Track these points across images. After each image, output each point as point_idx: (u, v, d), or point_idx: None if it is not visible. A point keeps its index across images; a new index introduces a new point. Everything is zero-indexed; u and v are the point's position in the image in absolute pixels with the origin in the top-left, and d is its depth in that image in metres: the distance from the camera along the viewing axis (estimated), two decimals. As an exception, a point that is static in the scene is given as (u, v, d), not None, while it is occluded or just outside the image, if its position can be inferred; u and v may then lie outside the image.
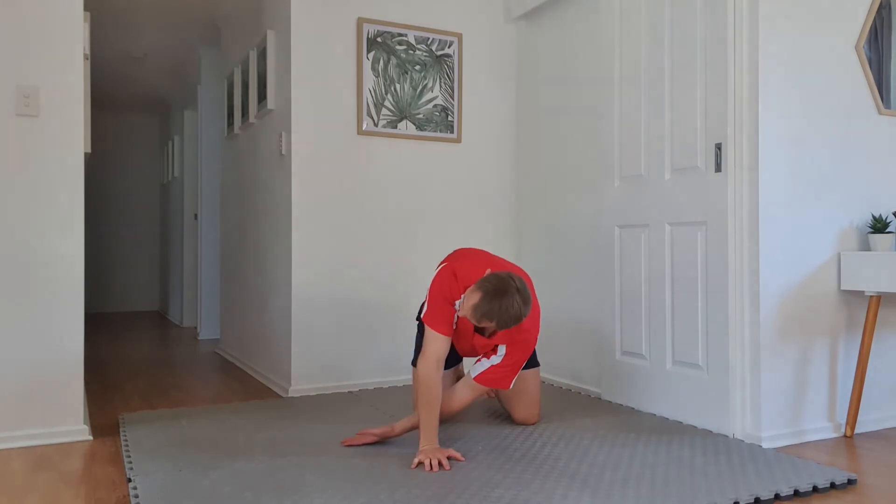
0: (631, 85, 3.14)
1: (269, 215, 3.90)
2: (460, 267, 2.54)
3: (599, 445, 2.49)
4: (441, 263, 2.66)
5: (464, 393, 2.59)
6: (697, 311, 2.78)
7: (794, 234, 2.67)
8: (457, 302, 2.51)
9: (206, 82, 5.86)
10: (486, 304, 2.28)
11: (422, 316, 2.52)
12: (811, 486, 2.07)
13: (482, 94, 4.02)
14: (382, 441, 2.54)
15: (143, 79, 6.95)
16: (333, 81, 3.61)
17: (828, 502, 2.01)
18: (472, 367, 2.60)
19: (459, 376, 3.05)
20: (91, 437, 2.74)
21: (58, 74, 2.70)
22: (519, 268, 2.65)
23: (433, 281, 2.54)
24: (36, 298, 2.66)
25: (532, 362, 2.85)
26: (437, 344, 2.47)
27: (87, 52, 2.92)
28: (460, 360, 2.95)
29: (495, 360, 2.54)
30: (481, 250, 2.72)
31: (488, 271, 2.44)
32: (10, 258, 2.63)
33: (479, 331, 2.61)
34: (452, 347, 2.88)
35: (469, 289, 2.37)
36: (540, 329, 2.87)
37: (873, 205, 2.86)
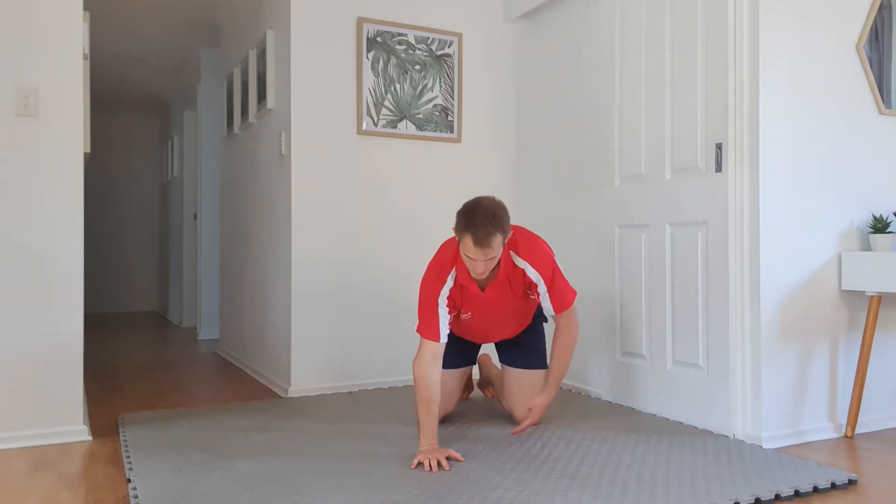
0: (631, 85, 3.13)
1: (269, 215, 3.90)
2: (447, 243, 2.52)
3: (599, 446, 2.49)
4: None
5: (564, 343, 2.64)
6: (697, 311, 2.78)
7: (794, 233, 2.66)
8: (449, 275, 2.48)
9: (206, 82, 5.86)
10: (462, 220, 2.31)
11: (415, 328, 2.51)
12: (812, 486, 2.07)
13: (482, 94, 4.01)
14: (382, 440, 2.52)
15: (142, 79, 6.95)
16: (333, 81, 3.61)
17: (828, 503, 2.00)
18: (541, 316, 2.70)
19: (468, 379, 3.00)
20: (91, 438, 2.73)
21: (58, 74, 2.70)
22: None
23: (422, 279, 2.53)
24: (35, 298, 2.66)
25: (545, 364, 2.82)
26: (431, 343, 2.46)
27: (87, 52, 2.91)
28: (472, 362, 2.93)
29: (542, 289, 2.54)
30: None
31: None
32: (9, 258, 2.63)
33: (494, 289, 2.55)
34: (468, 343, 2.86)
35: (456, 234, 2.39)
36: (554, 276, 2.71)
37: (874, 205, 2.86)
